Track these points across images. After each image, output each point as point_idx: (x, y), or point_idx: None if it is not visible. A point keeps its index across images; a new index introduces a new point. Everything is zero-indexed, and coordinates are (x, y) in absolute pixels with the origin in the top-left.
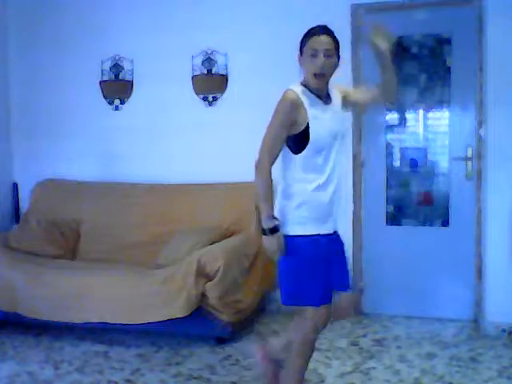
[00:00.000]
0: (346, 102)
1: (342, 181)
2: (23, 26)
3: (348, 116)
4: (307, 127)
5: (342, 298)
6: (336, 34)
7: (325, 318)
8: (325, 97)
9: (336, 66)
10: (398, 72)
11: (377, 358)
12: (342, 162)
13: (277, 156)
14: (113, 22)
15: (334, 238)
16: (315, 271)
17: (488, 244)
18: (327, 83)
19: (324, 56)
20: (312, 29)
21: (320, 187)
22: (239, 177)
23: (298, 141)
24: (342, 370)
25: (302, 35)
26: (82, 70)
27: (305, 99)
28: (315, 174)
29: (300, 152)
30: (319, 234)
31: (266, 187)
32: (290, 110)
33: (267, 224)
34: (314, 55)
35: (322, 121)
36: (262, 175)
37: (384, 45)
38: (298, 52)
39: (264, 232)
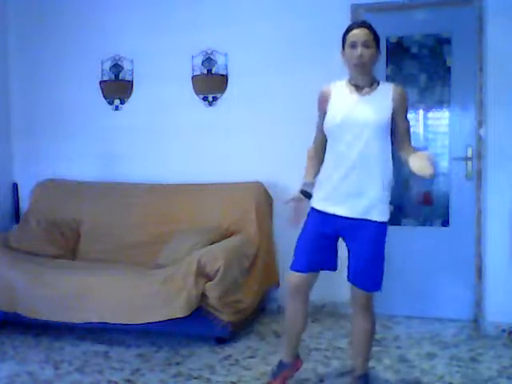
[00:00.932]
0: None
1: (384, 170)
2: (23, 26)
3: (386, 108)
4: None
5: (353, 291)
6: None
7: (292, 284)
8: (366, 87)
9: (376, 56)
10: (398, 72)
11: (377, 358)
12: (377, 151)
13: (320, 140)
14: (113, 21)
15: (355, 224)
16: (302, 238)
17: (488, 244)
18: (370, 73)
19: (362, 46)
20: (351, 24)
21: (335, 171)
22: (239, 177)
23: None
24: (342, 369)
25: (343, 32)
26: (81, 69)
27: (336, 90)
28: (332, 158)
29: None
30: (325, 212)
31: (307, 160)
32: (319, 101)
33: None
34: (354, 46)
35: (340, 108)
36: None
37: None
38: (340, 49)
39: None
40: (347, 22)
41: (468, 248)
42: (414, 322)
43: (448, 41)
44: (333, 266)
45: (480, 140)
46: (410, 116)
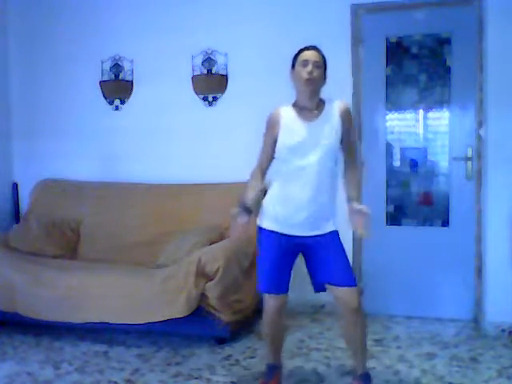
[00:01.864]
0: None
1: (335, 188)
2: (23, 26)
3: (336, 131)
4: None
5: (341, 293)
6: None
7: (269, 306)
8: (313, 108)
9: (323, 80)
10: (398, 72)
11: (377, 358)
12: (328, 173)
13: (265, 163)
14: (113, 21)
15: (316, 240)
16: (265, 261)
17: (488, 244)
18: (317, 95)
19: (313, 66)
20: (302, 48)
21: (290, 194)
22: (239, 177)
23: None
24: (342, 370)
25: (294, 54)
26: (82, 69)
27: (285, 114)
28: (285, 181)
29: (275, 156)
30: (279, 233)
31: (251, 181)
32: (269, 125)
33: (243, 202)
34: (305, 65)
35: (292, 133)
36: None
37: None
38: (290, 69)
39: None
40: (347, 22)
41: (468, 248)
42: (414, 322)
43: (448, 41)
44: (287, 290)
45: (480, 140)
46: (409, 116)
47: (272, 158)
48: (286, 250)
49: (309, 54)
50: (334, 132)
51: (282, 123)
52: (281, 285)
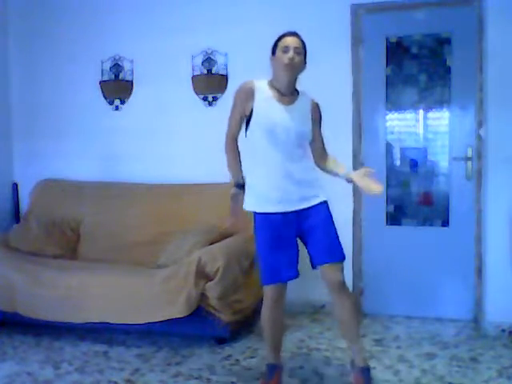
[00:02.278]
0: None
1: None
2: (23, 26)
3: (309, 119)
4: (251, 114)
5: (323, 270)
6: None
7: (270, 298)
8: (289, 94)
9: (302, 66)
10: (398, 72)
11: (377, 358)
12: (300, 151)
13: (236, 133)
14: (113, 22)
15: (302, 214)
16: (265, 250)
17: (488, 244)
18: (294, 81)
19: (294, 52)
20: (283, 33)
21: (265, 173)
22: None
23: (247, 124)
24: (342, 370)
25: (275, 40)
26: (82, 69)
27: (259, 90)
28: (261, 160)
29: (246, 135)
30: (268, 213)
31: (230, 154)
32: (241, 95)
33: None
34: (286, 51)
35: (268, 112)
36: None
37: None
38: (270, 54)
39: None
40: (347, 22)
41: (468, 248)
42: (414, 322)
43: (448, 41)
44: (295, 274)
45: (480, 140)
46: (409, 116)
47: (240, 128)
48: (282, 232)
49: (290, 40)
50: (307, 120)
51: (257, 98)
52: (280, 273)
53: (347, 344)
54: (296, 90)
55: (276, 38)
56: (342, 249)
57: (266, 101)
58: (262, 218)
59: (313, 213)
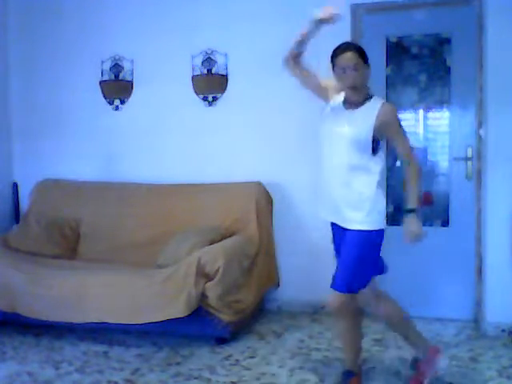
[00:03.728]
0: (379, 131)
1: (367, 183)
2: (23, 26)
3: (368, 124)
4: None
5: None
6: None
7: (330, 303)
8: (354, 103)
9: (366, 74)
10: (398, 72)
11: (377, 358)
12: (355, 164)
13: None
14: (113, 21)
15: (343, 232)
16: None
17: (488, 244)
18: (362, 90)
19: (353, 70)
20: (337, 47)
21: (324, 178)
22: (239, 177)
23: None
24: (342, 369)
25: (331, 54)
26: (82, 69)
27: (336, 98)
28: (323, 162)
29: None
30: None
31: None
32: (327, 96)
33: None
34: (344, 71)
35: (327, 119)
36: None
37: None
38: (331, 68)
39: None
40: (347, 22)
41: (468, 248)
42: (414, 322)
43: (448, 41)
44: (382, 271)
45: (480, 140)
46: (409, 116)
47: (316, 82)
48: (337, 238)
49: (345, 60)
50: (365, 125)
51: (331, 101)
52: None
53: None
54: (370, 96)
55: (332, 52)
56: (347, 283)
57: (331, 108)
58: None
59: (346, 235)
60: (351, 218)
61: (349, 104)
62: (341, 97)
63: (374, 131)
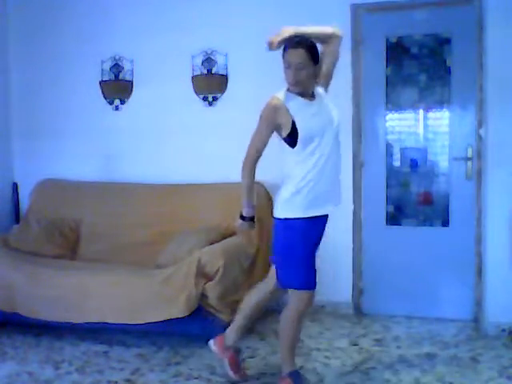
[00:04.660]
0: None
1: (342, 172)
2: (23, 26)
3: (334, 103)
4: (294, 125)
5: None
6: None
7: (310, 304)
8: (310, 95)
9: (312, 73)
10: (398, 72)
11: (377, 358)
12: (340, 148)
13: (260, 155)
14: (113, 21)
15: (324, 221)
16: (305, 254)
17: (488, 244)
18: (309, 86)
19: (296, 69)
20: (287, 43)
21: (320, 176)
22: (239, 177)
23: (292, 137)
24: (342, 369)
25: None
26: (82, 69)
27: (288, 102)
28: (313, 164)
29: (295, 146)
30: (317, 216)
31: (249, 181)
32: (273, 114)
33: (249, 213)
34: (288, 67)
35: (308, 115)
36: (247, 169)
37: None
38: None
39: (243, 218)
40: (347, 22)
41: (468, 248)
42: (414, 322)
43: (448, 41)
44: None
45: (480, 140)
46: (409, 116)
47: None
48: (316, 238)
49: (291, 57)
50: (335, 108)
51: (293, 112)
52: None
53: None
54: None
55: (283, 48)
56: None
57: (300, 107)
58: (309, 224)
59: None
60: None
61: (308, 98)
62: (292, 97)
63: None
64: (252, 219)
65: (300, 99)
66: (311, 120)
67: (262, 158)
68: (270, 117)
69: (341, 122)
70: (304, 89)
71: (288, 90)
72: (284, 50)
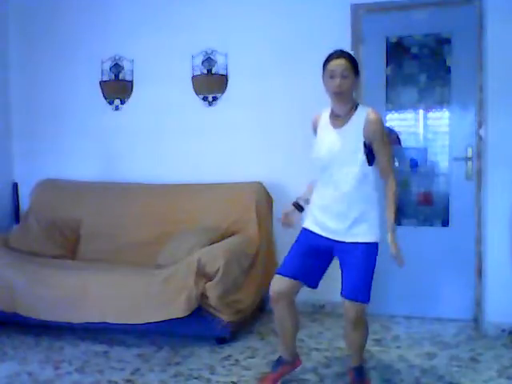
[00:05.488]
0: (368, 143)
1: (365, 195)
2: (24, 26)
3: (358, 138)
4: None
5: (344, 303)
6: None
7: (272, 288)
8: (344, 115)
9: (355, 84)
10: (398, 72)
11: (377, 358)
12: (356, 182)
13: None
14: (113, 21)
15: (344, 247)
16: (293, 250)
17: (488, 244)
18: (349, 100)
19: (341, 77)
20: (330, 54)
21: (320, 197)
22: (239, 177)
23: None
24: (342, 370)
25: (324, 61)
26: (82, 69)
27: (321, 120)
28: (320, 185)
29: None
30: (312, 231)
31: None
32: (312, 129)
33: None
34: (332, 77)
35: (322, 142)
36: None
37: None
38: (322, 76)
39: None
40: (347, 22)
41: (468, 248)
42: (414, 322)
43: (448, 41)
44: (313, 284)
45: (480, 140)
46: (409, 116)
47: None
48: (315, 244)
49: (335, 65)
50: (355, 140)
51: (319, 129)
52: (293, 270)
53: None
54: (356, 107)
55: (324, 60)
56: (364, 293)
57: (322, 128)
58: (304, 232)
59: (351, 248)
60: (355, 233)
61: (335, 119)
62: (327, 114)
63: (365, 141)
64: (297, 206)
65: (328, 120)
66: (323, 147)
67: (261, 159)
68: (313, 130)
69: (352, 155)
70: (345, 100)
71: (331, 109)
72: (326, 61)
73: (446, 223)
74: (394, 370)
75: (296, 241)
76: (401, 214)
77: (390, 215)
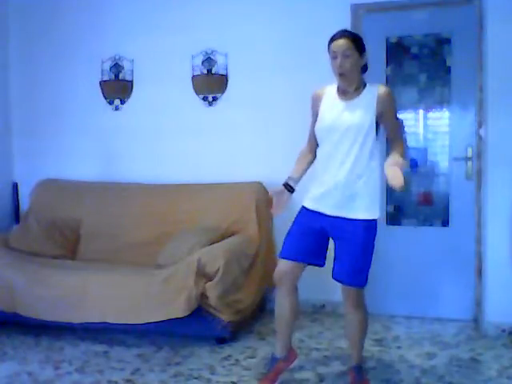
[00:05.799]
0: (379, 117)
1: (370, 171)
2: (24, 26)
3: (369, 112)
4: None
5: (342, 288)
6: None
7: (276, 272)
8: (352, 91)
9: (358, 62)
10: (398, 72)
11: (377, 358)
12: (361, 151)
13: (312, 141)
14: (113, 22)
15: (343, 223)
16: (291, 230)
17: (488, 244)
18: (354, 79)
19: (342, 57)
20: (333, 34)
21: (323, 172)
22: (239, 177)
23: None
24: (342, 369)
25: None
26: (82, 69)
27: (327, 94)
28: (321, 160)
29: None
30: (315, 211)
31: (296, 159)
32: (312, 103)
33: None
34: (335, 57)
35: (330, 111)
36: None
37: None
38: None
39: None
40: (347, 22)
41: (468, 248)
42: (414, 322)
43: (448, 41)
44: (319, 263)
45: (480, 140)
46: (409, 116)
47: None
48: (312, 225)
49: (337, 46)
50: (367, 113)
51: (323, 101)
52: (296, 252)
53: (348, 345)
54: (363, 84)
55: (329, 39)
56: (362, 277)
57: (330, 100)
58: (304, 211)
59: (350, 227)
60: (355, 208)
61: (343, 94)
62: (333, 89)
63: (377, 117)
64: (287, 187)
65: (335, 94)
66: (329, 118)
67: (261, 159)
68: (311, 104)
69: (361, 129)
70: (349, 81)
71: (338, 85)
72: (329, 42)
73: (446, 223)
74: (394, 370)
75: (295, 221)
76: (401, 214)
77: (398, 153)
